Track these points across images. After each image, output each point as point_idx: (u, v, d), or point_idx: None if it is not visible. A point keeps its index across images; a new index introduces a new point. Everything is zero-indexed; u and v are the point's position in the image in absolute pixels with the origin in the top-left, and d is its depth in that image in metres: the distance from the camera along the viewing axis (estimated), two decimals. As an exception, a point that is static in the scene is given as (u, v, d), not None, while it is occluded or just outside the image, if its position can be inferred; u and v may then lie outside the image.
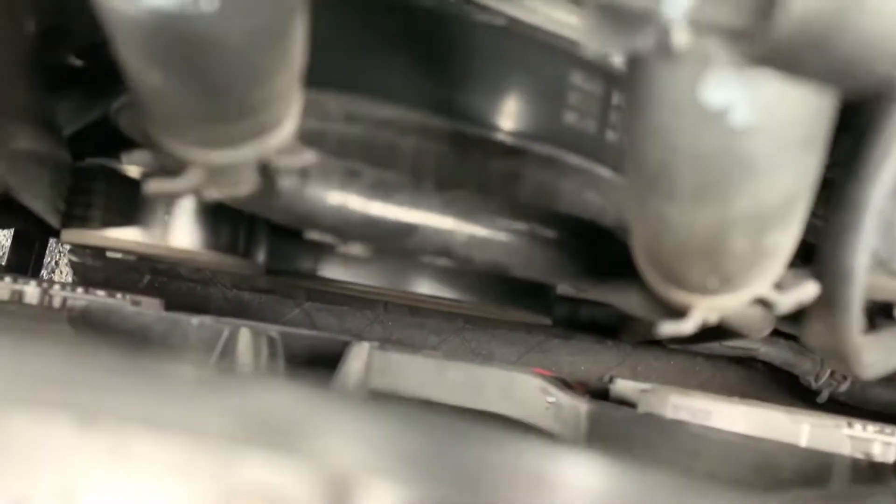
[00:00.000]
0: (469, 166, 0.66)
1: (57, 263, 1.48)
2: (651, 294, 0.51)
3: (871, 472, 0.68)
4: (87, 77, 0.76)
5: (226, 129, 0.42)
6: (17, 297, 0.75)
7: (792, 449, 0.69)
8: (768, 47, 0.29)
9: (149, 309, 0.81)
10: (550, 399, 0.77)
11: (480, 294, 0.93)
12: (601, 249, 0.59)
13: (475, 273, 0.90)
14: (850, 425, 0.72)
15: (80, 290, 0.78)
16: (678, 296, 0.48)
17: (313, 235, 0.58)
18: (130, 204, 0.85)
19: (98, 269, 1.33)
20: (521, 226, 0.58)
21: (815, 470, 0.66)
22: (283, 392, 0.31)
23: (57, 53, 0.72)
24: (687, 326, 0.48)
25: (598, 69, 0.67)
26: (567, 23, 0.65)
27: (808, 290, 0.46)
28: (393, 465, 0.29)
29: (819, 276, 0.45)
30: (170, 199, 0.82)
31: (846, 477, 0.66)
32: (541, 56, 0.66)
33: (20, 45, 0.63)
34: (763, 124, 0.33)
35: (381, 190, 0.54)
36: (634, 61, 0.33)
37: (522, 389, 0.78)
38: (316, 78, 0.46)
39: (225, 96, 0.40)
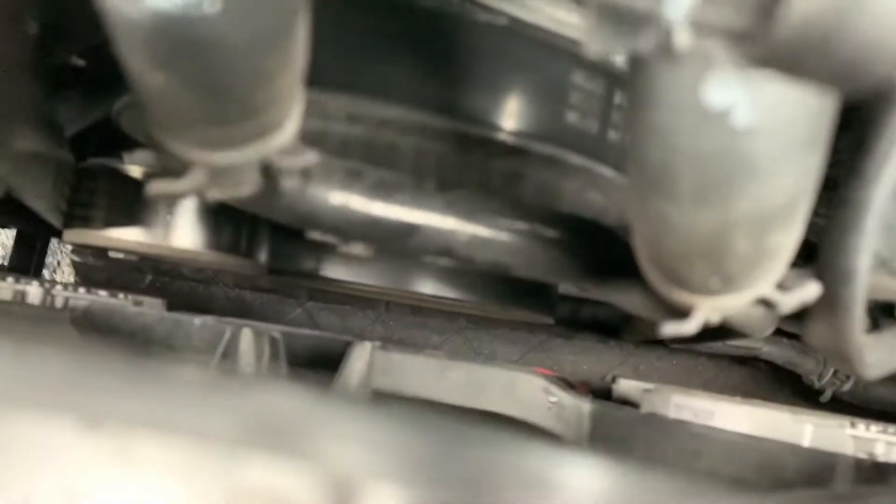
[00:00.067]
0: (471, 166, 0.66)
1: (59, 264, 1.48)
2: (653, 294, 0.51)
3: (874, 472, 0.67)
4: (90, 77, 0.76)
5: (228, 129, 0.42)
6: (20, 297, 0.76)
7: (795, 449, 0.69)
8: (769, 48, 0.29)
9: (151, 309, 0.81)
10: (553, 399, 0.77)
11: (482, 294, 0.93)
12: (603, 249, 0.59)
13: (477, 273, 0.90)
14: (853, 425, 0.72)
15: (82, 290, 0.78)
16: (680, 296, 0.48)
17: (315, 235, 0.58)
18: (132, 204, 0.85)
19: (100, 269, 1.33)
20: (522, 225, 0.58)
21: (819, 470, 0.65)
22: (286, 394, 0.31)
23: (59, 54, 0.72)
24: (689, 327, 0.48)
25: (599, 69, 0.67)
26: (568, 22, 0.65)
27: (810, 291, 0.46)
28: (396, 467, 0.29)
29: (821, 276, 0.45)
30: (172, 200, 0.82)
31: (849, 477, 0.66)
32: (542, 55, 0.66)
33: (22, 45, 0.63)
34: (764, 125, 0.33)
35: (382, 190, 0.54)
36: (636, 62, 0.33)
37: (525, 389, 0.78)
38: (317, 78, 0.46)
39: (227, 97, 0.40)
